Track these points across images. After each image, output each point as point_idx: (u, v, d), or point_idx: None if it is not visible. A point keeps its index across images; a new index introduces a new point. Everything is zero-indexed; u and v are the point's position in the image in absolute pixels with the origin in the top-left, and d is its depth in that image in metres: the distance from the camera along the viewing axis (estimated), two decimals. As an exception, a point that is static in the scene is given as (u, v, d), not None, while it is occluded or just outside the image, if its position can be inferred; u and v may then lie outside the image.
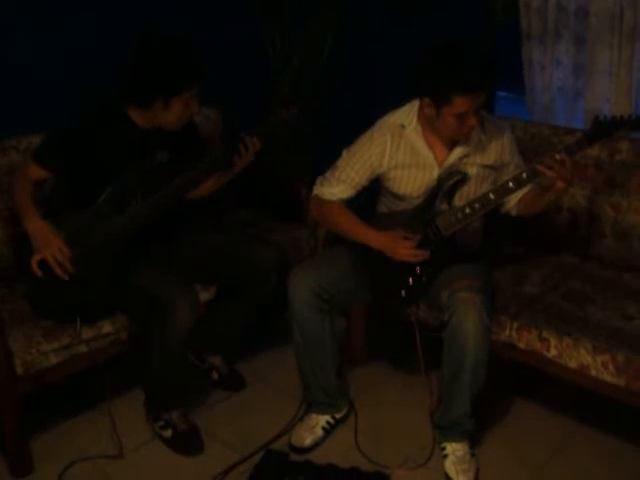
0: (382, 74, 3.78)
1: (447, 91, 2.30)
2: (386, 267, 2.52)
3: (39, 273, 2.40)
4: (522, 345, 2.50)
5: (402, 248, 2.47)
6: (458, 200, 2.52)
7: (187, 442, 2.63)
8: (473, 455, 2.52)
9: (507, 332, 2.52)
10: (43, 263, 2.40)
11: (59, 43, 3.07)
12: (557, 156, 2.31)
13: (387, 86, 3.48)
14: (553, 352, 2.43)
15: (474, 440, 2.57)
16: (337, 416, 2.73)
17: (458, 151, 2.51)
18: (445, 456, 2.51)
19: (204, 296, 2.75)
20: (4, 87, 2.95)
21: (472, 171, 2.53)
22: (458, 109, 2.32)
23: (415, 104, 2.53)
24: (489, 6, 3.40)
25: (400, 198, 2.59)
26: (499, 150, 2.56)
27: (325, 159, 2.68)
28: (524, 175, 2.38)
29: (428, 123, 2.48)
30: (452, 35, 3.30)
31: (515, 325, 2.50)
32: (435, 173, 2.52)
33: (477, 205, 2.44)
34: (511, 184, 2.40)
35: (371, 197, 2.69)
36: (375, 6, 3.71)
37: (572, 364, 2.40)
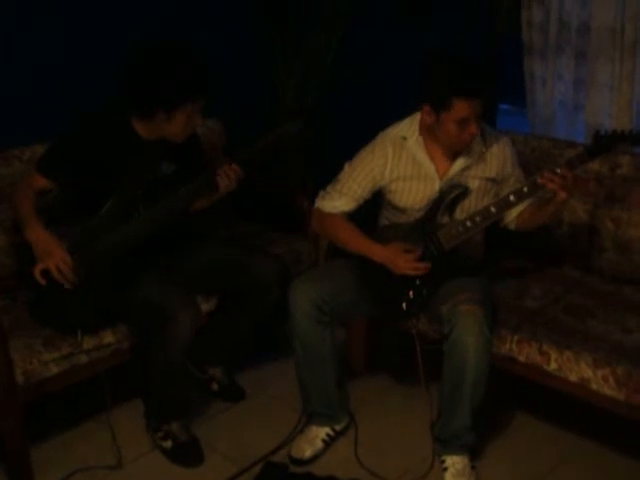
0: (385, 87, 3.80)
1: (447, 95, 2.32)
2: (387, 280, 2.53)
3: (42, 282, 2.40)
4: (522, 358, 2.50)
5: (403, 261, 2.47)
6: (459, 213, 2.53)
7: (187, 453, 2.63)
8: (473, 468, 2.52)
9: (507, 345, 2.52)
10: (46, 273, 2.41)
11: (59, 43, 3.08)
12: (558, 170, 2.32)
13: (390, 99, 3.50)
14: (553, 365, 2.43)
15: (474, 453, 2.57)
16: (337, 428, 2.72)
17: (459, 163, 2.52)
18: (445, 469, 2.51)
19: (205, 307, 2.76)
20: (5, 94, 2.96)
21: (473, 184, 2.54)
22: (458, 114, 2.33)
23: (417, 117, 2.54)
24: (492, 21, 3.43)
25: (401, 211, 2.60)
26: (500, 163, 2.57)
27: (327, 171, 2.69)
28: (525, 189, 2.39)
29: (430, 135, 2.49)
30: (455, 48, 3.33)
31: (515, 338, 2.50)
32: (436, 186, 2.53)
33: (478, 218, 2.44)
34: (512, 197, 2.41)
35: (373, 210, 2.70)
36: (379, 21, 3.73)
37: (572, 378, 2.40)
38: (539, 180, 2.35)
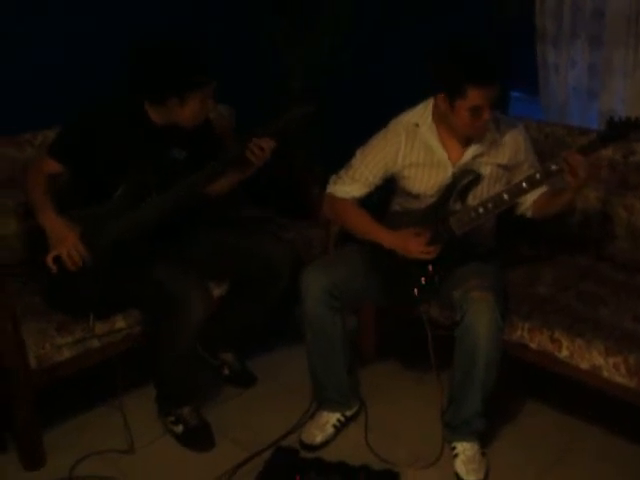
0: (395, 71, 3.77)
1: (461, 83, 2.31)
2: (398, 266, 2.52)
3: (54, 269, 2.41)
4: (534, 346, 2.49)
5: (414, 245, 2.47)
6: (472, 200, 2.52)
7: (198, 438, 2.64)
8: (483, 454, 2.52)
9: (519, 333, 2.51)
10: (58, 259, 2.41)
11: (61, 40, 3.08)
12: (570, 158, 2.31)
13: (400, 83, 3.47)
14: (565, 353, 2.43)
15: (485, 440, 2.57)
16: (348, 414, 2.73)
17: (472, 150, 2.51)
18: (455, 455, 2.51)
19: (216, 292, 2.76)
20: (13, 83, 2.96)
21: (486, 171, 2.53)
22: (472, 102, 2.33)
23: (429, 103, 2.53)
24: (502, 5, 3.40)
25: (414, 197, 2.59)
26: (513, 149, 2.56)
27: (338, 157, 2.68)
28: (538, 176, 2.38)
29: (443, 121, 2.48)
30: (465, 33, 3.31)
31: (527, 326, 2.50)
32: (449, 172, 2.52)
33: (490, 205, 2.44)
34: (524, 184, 2.40)
35: (384, 196, 2.69)
36: (387, 2, 3.71)
37: (584, 365, 2.39)
38: (553, 168, 2.34)
